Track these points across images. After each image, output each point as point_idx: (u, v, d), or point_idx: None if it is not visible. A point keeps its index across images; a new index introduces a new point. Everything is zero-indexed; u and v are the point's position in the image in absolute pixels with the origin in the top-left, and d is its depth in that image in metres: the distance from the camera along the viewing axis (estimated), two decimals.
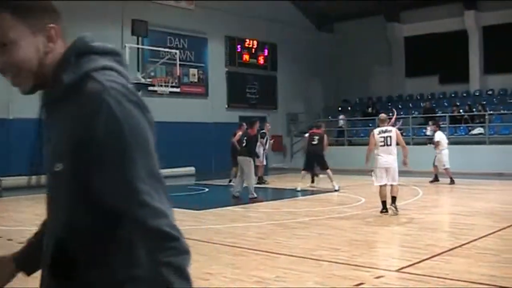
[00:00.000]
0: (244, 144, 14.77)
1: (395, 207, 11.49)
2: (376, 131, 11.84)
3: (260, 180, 19.41)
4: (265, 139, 20.05)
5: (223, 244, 8.68)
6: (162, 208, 1.76)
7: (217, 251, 8.23)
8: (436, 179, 19.14)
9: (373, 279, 6.41)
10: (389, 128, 11.96)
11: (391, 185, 11.66)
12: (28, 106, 21.52)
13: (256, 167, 18.89)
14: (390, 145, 11.61)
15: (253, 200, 14.12)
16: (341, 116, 30.49)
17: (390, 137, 11.62)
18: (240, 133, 17.37)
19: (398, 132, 12.20)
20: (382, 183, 11.55)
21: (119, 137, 1.68)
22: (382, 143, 11.59)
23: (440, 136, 18.96)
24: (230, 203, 14.05)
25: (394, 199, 11.60)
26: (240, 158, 14.62)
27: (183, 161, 24.84)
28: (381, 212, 11.52)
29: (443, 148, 18.62)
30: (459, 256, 7.72)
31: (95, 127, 1.65)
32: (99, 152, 1.66)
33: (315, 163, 17.63)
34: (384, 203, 11.54)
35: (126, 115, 1.73)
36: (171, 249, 1.77)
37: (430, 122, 22.89)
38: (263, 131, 19.88)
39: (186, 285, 1.81)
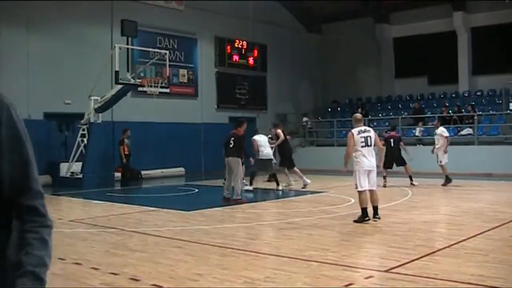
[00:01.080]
0: (231, 145, 14.37)
1: (378, 217, 10.70)
2: (355, 131, 10.85)
3: (272, 178, 19.29)
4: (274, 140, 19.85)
5: (212, 245, 8.67)
6: (41, 189, 2.24)
7: (206, 251, 8.22)
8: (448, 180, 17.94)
9: (362, 280, 6.42)
10: (368, 128, 11.19)
11: (371, 191, 10.78)
12: (16, 107, 21.42)
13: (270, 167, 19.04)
14: (371, 145, 10.78)
15: (238, 202, 13.96)
16: (304, 118, 30.62)
17: (370, 137, 10.79)
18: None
19: (376, 134, 11.18)
20: (366, 188, 10.65)
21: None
22: (363, 144, 10.70)
23: (442, 131, 18.32)
24: (220, 204, 14.04)
25: (376, 209, 10.78)
26: (228, 159, 14.36)
27: (172, 161, 24.83)
28: (362, 221, 10.48)
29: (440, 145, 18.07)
30: (449, 256, 7.74)
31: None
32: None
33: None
34: (365, 210, 10.59)
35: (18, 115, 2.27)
36: (38, 222, 2.21)
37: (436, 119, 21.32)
38: (269, 136, 19.74)
39: (45, 253, 2.23)
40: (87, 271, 7.11)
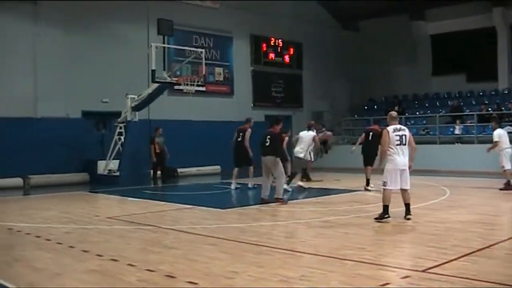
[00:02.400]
0: (268, 144, 13.89)
1: (410, 216, 10.64)
2: (390, 129, 10.77)
3: (307, 178, 19.25)
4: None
5: (247, 243, 8.67)
6: None
7: (241, 249, 8.22)
8: (508, 186, 16.04)
9: (398, 279, 6.35)
10: (403, 126, 11.06)
11: (403, 190, 10.78)
12: (54, 106, 21.91)
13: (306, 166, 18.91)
14: (405, 144, 10.72)
15: (280, 201, 13.66)
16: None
17: (405, 136, 10.73)
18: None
19: (410, 133, 11.07)
20: (396, 188, 10.63)
21: None
22: (398, 142, 10.62)
23: (498, 135, 16.43)
24: (255, 202, 14.03)
25: (408, 206, 10.77)
26: (265, 158, 13.88)
27: (208, 159, 24.92)
28: (382, 218, 10.46)
29: (502, 148, 16.27)
30: (487, 257, 7.62)
31: None
32: None
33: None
34: (387, 208, 10.56)
35: None
36: None
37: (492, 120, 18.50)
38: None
39: None
40: (124, 267, 7.18)
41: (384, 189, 10.71)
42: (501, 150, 16.27)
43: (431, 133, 27.01)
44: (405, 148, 10.72)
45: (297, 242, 8.77)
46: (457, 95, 29.89)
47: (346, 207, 13.12)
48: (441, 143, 25.65)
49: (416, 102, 31.62)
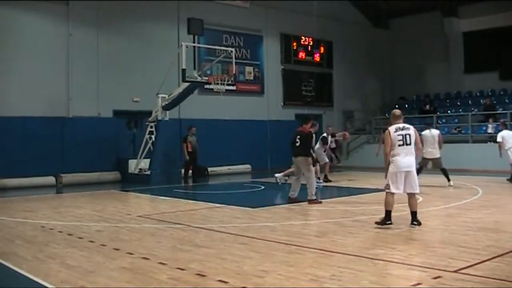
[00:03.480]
0: (298, 144, 13.70)
1: (418, 223, 9.85)
2: (392, 128, 10.06)
3: (326, 179, 19.46)
4: (328, 142, 19.74)
5: (278, 242, 8.66)
6: None
7: (272, 248, 8.22)
8: None
9: (430, 280, 6.28)
10: (407, 125, 10.17)
11: (410, 195, 10.03)
12: (86, 105, 22.16)
13: (322, 166, 19.00)
14: (410, 144, 9.91)
15: (313, 202, 13.44)
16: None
17: (409, 135, 9.93)
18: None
19: (416, 132, 10.30)
20: (399, 192, 9.94)
21: None
22: (401, 142, 9.87)
23: (501, 136, 18.26)
24: (286, 201, 14.01)
25: (415, 215, 9.96)
26: (297, 158, 13.70)
27: (239, 158, 24.98)
28: (384, 224, 9.82)
29: (508, 147, 17.96)
30: None
31: None
32: None
33: None
34: (390, 213, 9.88)
35: None
36: None
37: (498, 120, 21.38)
38: (324, 135, 19.68)
39: None
40: (155, 265, 7.22)
41: (386, 192, 9.99)
42: (508, 149, 17.96)
43: (463, 132, 26.70)
44: (411, 149, 9.95)
45: (328, 241, 8.73)
46: (489, 93, 29.47)
47: (377, 206, 13.02)
48: (474, 142, 25.35)
49: (448, 100, 31.29)
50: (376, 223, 9.94)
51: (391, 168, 9.88)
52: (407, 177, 9.90)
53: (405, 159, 9.87)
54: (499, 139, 18.23)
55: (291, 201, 13.76)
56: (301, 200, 13.68)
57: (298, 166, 13.80)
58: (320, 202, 13.56)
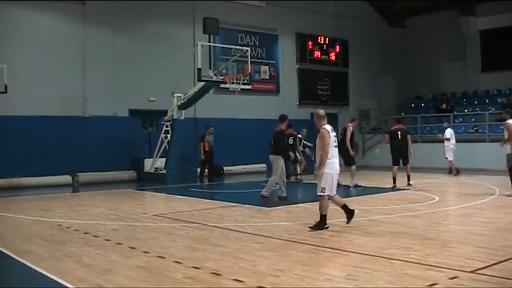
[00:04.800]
0: (272, 142, 14.16)
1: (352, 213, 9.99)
2: (328, 128, 9.74)
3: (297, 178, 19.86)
4: (301, 144, 20.18)
5: (293, 241, 8.66)
6: None
7: (287, 248, 8.22)
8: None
9: (447, 280, 6.24)
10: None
11: (333, 196, 9.98)
12: (102, 105, 22.31)
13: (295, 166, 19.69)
14: (337, 147, 9.89)
15: (265, 199, 13.63)
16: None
17: (336, 137, 9.94)
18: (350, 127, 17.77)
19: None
20: (333, 193, 9.85)
21: None
22: (335, 144, 9.80)
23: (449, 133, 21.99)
24: (301, 200, 14.00)
25: (346, 207, 10.03)
26: (270, 156, 13.98)
27: (254, 157, 24.96)
28: (321, 228, 9.63)
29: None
30: None
31: None
32: None
33: None
34: (325, 217, 9.75)
35: None
36: None
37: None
38: (299, 136, 19.87)
39: None
40: (170, 264, 7.24)
41: (322, 196, 9.73)
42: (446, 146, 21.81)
43: (480, 131, 26.50)
44: (337, 151, 9.91)
45: (343, 241, 8.70)
46: (507, 92, 29.21)
47: (393, 206, 12.99)
48: (491, 141, 25.15)
49: (464, 99, 31.08)
50: (310, 227, 9.79)
51: (329, 170, 9.66)
52: (336, 179, 9.91)
53: (337, 161, 9.86)
54: (447, 135, 22.04)
55: (282, 199, 13.83)
56: (288, 198, 13.88)
57: (272, 164, 14.01)
58: (272, 201, 13.64)
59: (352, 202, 13.85)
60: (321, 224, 9.70)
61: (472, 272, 6.56)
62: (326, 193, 9.70)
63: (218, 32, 21.26)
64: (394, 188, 16.81)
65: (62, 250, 8.35)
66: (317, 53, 29.99)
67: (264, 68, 27.66)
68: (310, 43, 29.66)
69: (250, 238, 9.09)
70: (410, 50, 33.35)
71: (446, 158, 22.05)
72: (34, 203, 14.83)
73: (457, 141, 23.95)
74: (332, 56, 30.73)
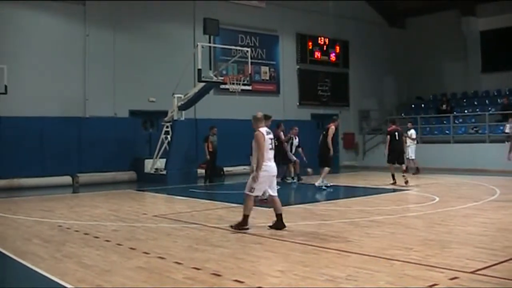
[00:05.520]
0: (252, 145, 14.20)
1: (283, 225, 9.78)
2: (264, 131, 9.86)
3: (298, 178, 19.76)
4: (290, 143, 20.06)
5: (293, 242, 8.65)
6: None
7: (288, 248, 8.21)
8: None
9: (447, 280, 6.24)
10: (269, 130, 10.07)
11: (275, 198, 9.91)
12: (102, 105, 22.30)
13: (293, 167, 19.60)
14: (273, 149, 9.94)
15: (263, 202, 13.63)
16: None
17: (273, 139, 9.97)
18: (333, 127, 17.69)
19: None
20: (266, 196, 9.95)
21: None
22: (271, 146, 9.84)
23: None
24: (301, 201, 13.99)
25: (281, 217, 9.87)
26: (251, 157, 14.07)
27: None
28: (242, 229, 9.70)
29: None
30: None
31: None
32: None
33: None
34: (248, 217, 9.80)
35: None
36: None
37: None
38: (288, 135, 19.89)
39: None
40: (171, 265, 7.24)
41: (249, 195, 9.78)
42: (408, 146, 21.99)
43: (480, 131, 26.51)
44: (273, 153, 9.94)
45: (344, 241, 8.70)
46: (507, 93, 29.21)
47: (394, 206, 12.99)
48: (491, 142, 25.17)
49: (465, 100, 31.08)
50: (231, 226, 9.92)
51: (263, 173, 9.68)
52: (273, 181, 9.92)
53: (274, 163, 9.91)
54: (414, 136, 23.09)
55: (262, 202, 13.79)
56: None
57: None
58: (265, 203, 13.54)
59: (353, 203, 13.88)
60: (242, 224, 9.79)
61: (472, 272, 6.55)
62: (254, 194, 9.77)
63: (218, 32, 21.25)
64: (395, 184, 17.66)
65: (62, 251, 8.34)
66: (318, 54, 29.99)
67: (264, 68, 27.66)
68: (310, 43, 29.65)
69: (250, 238, 9.08)
70: (411, 50, 33.35)
71: (408, 158, 21.76)
72: (35, 204, 14.83)
73: (457, 141, 23.96)
74: (333, 57, 30.72)
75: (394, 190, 16.59)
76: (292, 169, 19.92)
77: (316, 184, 17.26)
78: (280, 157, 19.28)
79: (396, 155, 18.17)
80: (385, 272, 6.65)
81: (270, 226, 9.91)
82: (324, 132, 17.56)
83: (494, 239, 8.72)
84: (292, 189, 18.14)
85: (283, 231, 9.64)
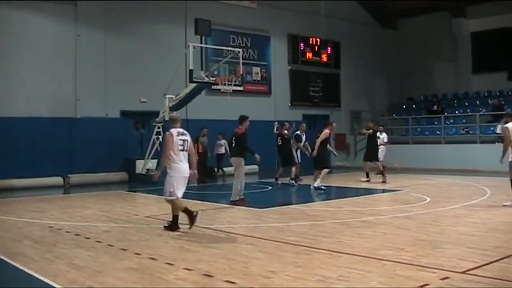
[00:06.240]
0: (233, 144, 14.10)
1: (176, 227, 10.06)
2: (174, 131, 10.10)
3: (296, 179, 19.49)
4: (301, 141, 19.82)
5: (285, 242, 8.66)
6: None
7: (279, 249, 8.21)
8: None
9: (438, 281, 6.26)
10: (185, 131, 10.31)
11: (181, 200, 10.24)
12: (94, 106, 22.23)
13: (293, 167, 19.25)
14: (187, 151, 10.11)
15: (235, 203, 13.61)
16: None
17: (187, 141, 10.13)
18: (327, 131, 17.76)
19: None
20: (181, 196, 10.07)
21: None
22: (182, 147, 10.00)
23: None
24: (292, 202, 14.01)
25: (176, 219, 10.11)
26: (231, 158, 14.06)
27: (246, 159, 24.91)
28: (174, 229, 9.97)
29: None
30: None
31: None
32: None
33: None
34: (177, 217, 10.08)
35: None
36: None
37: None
38: (297, 132, 19.84)
39: None
40: (162, 266, 7.23)
41: (170, 200, 10.03)
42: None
43: (471, 132, 26.62)
44: (187, 155, 10.14)
45: (336, 242, 8.71)
46: (498, 94, 29.35)
47: (385, 207, 13.03)
48: (482, 142, 25.28)
49: (455, 101, 31.20)
50: (165, 227, 10.10)
51: (173, 173, 9.91)
52: (185, 182, 10.10)
53: (186, 164, 10.03)
54: (385, 139, 21.77)
55: (233, 203, 13.77)
56: (236, 202, 13.79)
57: (234, 166, 14.08)
58: (245, 203, 13.59)
59: (345, 204, 13.90)
60: (173, 225, 10.02)
61: (463, 272, 6.58)
62: (174, 197, 9.94)
63: (210, 33, 21.24)
64: (369, 182, 18.92)
65: (53, 252, 8.31)
66: (309, 55, 30.02)
67: (256, 69, 27.66)
68: (302, 44, 29.69)
69: (242, 239, 9.08)
70: (402, 51, 33.45)
71: (379, 160, 20.87)
72: (26, 205, 14.77)
73: (448, 142, 24.00)
74: (324, 58, 30.76)
75: (384, 191, 16.64)
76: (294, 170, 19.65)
77: (315, 184, 17.15)
78: (281, 158, 19.33)
79: (375, 154, 19.39)
80: (376, 273, 6.67)
81: (165, 227, 10.11)
82: (318, 134, 17.62)
83: (485, 239, 8.76)
84: (285, 189, 18.12)
85: (275, 233, 9.64)
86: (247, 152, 14.12)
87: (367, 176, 19.45)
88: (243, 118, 14.30)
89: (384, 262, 7.22)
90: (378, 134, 20.30)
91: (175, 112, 10.64)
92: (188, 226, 9.92)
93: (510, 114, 13.30)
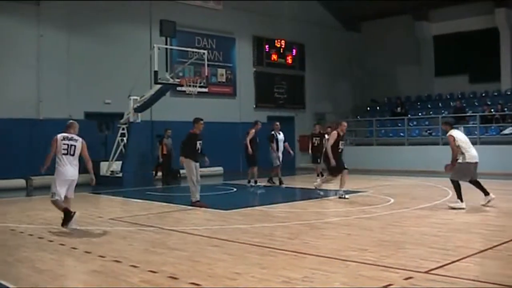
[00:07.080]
0: (182, 145, 14.21)
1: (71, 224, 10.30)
2: (60, 136, 10.76)
3: (274, 181, 19.68)
4: (276, 141, 19.67)
5: (251, 244, 8.67)
6: None
7: (244, 251, 8.22)
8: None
9: (401, 280, 6.33)
10: (76, 136, 10.93)
11: (68, 200, 10.86)
12: (57, 107, 21.94)
13: (273, 169, 19.47)
14: (73, 155, 10.76)
15: (197, 205, 13.58)
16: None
17: (75, 146, 10.76)
18: (253, 131, 18.43)
19: (85, 144, 11.01)
20: (63, 197, 10.55)
21: None
22: (65, 152, 10.66)
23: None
24: (257, 203, 14.02)
25: (68, 217, 10.32)
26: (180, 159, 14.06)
27: (211, 160, 24.84)
28: (66, 226, 10.28)
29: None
30: (490, 258, 7.62)
31: None
32: None
33: None
34: (69, 212, 10.37)
35: None
36: None
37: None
38: (272, 132, 19.76)
39: None
40: (127, 268, 7.17)
41: (52, 201, 10.63)
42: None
43: (433, 134, 26.99)
44: (74, 159, 10.79)
45: (300, 243, 8.75)
46: (459, 96, 29.85)
47: (349, 208, 13.11)
48: (444, 144, 25.60)
49: (418, 103, 31.60)
50: (62, 225, 10.37)
51: (57, 176, 10.68)
52: (71, 184, 10.81)
53: (71, 168, 10.66)
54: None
55: (193, 204, 13.75)
56: (196, 203, 13.75)
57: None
58: (206, 206, 13.53)
59: (309, 205, 13.96)
60: (66, 220, 10.28)
61: (426, 272, 6.66)
62: (55, 198, 10.46)
63: (175, 34, 21.16)
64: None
65: (15, 255, 8.19)
66: (274, 57, 30.12)
67: (221, 71, 27.64)
68: (267, 46, 29.77)
69: (207, 241, 9.07)
70: (366, 54, 33.77)
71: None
72: None
73: (411, 144, 24.23)
74: (289, 60, 30.89)
75: (350, 192, 16.72)
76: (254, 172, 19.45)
77: (341, 192, 16.62)
78: (246, 157, 19.17)
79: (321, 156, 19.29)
80: (340, 273, 6.72)
81: (62, 225, 10.35)
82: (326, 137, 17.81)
83: (447, 239, 8.88)
84: (250, 191, 18.14)
85: (240, 234, 9.65)
86: (195, 154, 14.04)
87: (321, 175, 19.15)
88: (195, 120, 14.40)
89: (348, 263, 7.27)
90: (326, 136, 19.86)
91: (72, 121, 11.07)
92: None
93: (448, 122, 13.56)
